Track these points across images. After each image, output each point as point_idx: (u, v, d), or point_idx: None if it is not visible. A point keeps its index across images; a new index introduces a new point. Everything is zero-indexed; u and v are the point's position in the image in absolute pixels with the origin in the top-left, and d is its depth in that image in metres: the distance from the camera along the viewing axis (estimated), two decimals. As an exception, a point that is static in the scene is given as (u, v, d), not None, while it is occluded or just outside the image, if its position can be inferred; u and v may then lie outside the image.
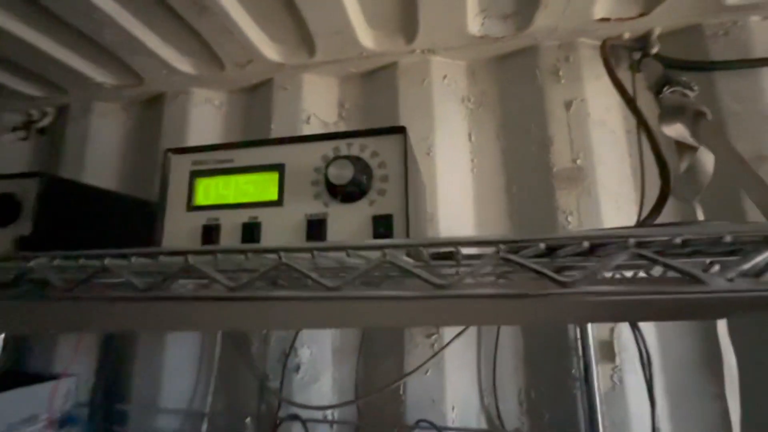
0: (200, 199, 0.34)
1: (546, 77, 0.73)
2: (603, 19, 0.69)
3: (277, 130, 0.81)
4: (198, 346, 0.77)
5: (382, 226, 0.29)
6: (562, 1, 0.65)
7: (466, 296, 0.19)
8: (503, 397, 0.66)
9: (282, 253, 0.22)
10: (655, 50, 0.69)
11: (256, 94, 0.87)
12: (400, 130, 0.31)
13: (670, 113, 0.46)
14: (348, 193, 0.30)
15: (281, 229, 0.32)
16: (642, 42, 0.71)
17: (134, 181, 0.89)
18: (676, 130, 0.47)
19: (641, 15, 0.68)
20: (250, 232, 0.32)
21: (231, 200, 0.33)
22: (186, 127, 0.86)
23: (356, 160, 0.29)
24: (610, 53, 0.70)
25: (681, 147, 0.47)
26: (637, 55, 0.69)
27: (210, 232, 0.32)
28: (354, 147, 0.31)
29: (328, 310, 0.23)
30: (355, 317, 0.35)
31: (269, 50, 0.79)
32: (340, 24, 0.70)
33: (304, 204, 0.32)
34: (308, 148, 0.32)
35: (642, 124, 0.53)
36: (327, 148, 0.32)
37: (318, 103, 0.83)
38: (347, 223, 0.30)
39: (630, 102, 0.55)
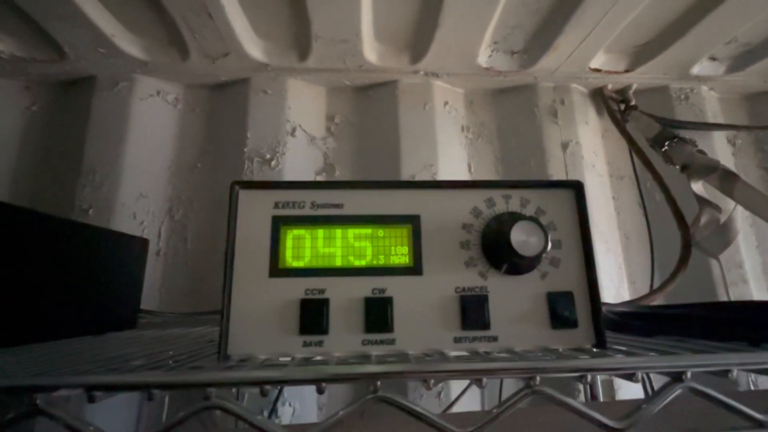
0: (291, 258, 0.23)
1: (544, 117, 0.75)
2: (595, 69, 0.74)
3: (255, 140, 0.68)
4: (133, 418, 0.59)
5: (560, 306, 0.23)
6: (571, 47, 0.67)
7: None
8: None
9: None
10: (632, 103, 0.76)
11: (227, 94, 0.73)
12: (576, 185, 0.26)
13: (700, 171, 0.48)
14: (515, 264, 0.23)
15: (421, 307, 0.23)
16: (622, 95, 0.77)
17: (37, 191, 0.66)
18: (699, 187, 0.49)
19: (626, 71, 0.74)
20: (378, 310, 0.22)
21: (339, 263, 0.24)
22: (124, 125, 0.67)
23: (539, 224, 0.22)
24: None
25: (702, 203, 0.50)
26: (621, 106, 0.75)
27: (314, 311, 0.22)
28: (513, 201, 0.25)
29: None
30: None
31: (252, 46, 0.66)
32: (349, 31, 0.62)
33: (453, 273, 0.24)
34: (451, 198, 0.24)
35: (656, 176, 0.56)
36: (478, 199, 0.25)
37: (304, 113, 0.73)
38: (513, 301, 0.23)
39: (639, 153, 0.59)
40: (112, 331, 0.40)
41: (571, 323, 0.23)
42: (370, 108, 0.75)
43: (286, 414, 0.61)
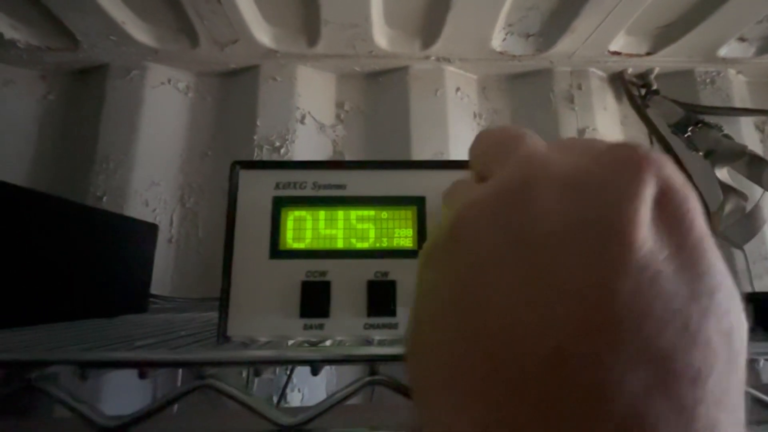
0: (291, 240, 0.23)
1: (560, 103, 0.72)
2: (615, 53, 0.71)
3: (264, 128, 0.68)
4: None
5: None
6: (589, 29, 0.64)
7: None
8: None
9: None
10: (654, 88, 0.72)
11: (236, 82, 0.72)
12: None
13: (725, 157, 0.46)
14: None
15: (425, 292, 0.22)
16: (642, 79, 0.74)
17: (53, 178, 0.67)
18: (724, 174, 0.47)
19: (648, 54, 0.71)
20: (381, 294, 0.22)
21: (341, 245, 0.23)
22: (136, 113, 0.68)
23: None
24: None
25: (727, 190, 0.47)
26: (641, 91, 0.72)
27: (315, 294, 0.22)
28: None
29: None
30: None
31: (261, 32, 0.66)
32: (358, 15, 0.61)
33: (458, 256, 0.23)
34: (457, 177, 0.23)
35: (677, 162, 0.53)
36: (485, 179, 0.24)
37: (314, 100, 0.72)
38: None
39: (661, 139, 0.56)
40: (124, 314, 0.40)
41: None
42: (381, 95, 0.74)
43: (295, 399, 0.61)
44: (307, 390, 0.63)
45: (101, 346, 0.17)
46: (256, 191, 0.24)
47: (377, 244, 0.23)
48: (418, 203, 0.24)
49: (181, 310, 0.54)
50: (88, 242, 0.37)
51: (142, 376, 0.15)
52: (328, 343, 0.22)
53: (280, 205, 0.23)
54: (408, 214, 0.23)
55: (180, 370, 0.47)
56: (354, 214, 0.23)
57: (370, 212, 0.23)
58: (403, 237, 0.23)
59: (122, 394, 0.58)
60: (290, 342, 0.23)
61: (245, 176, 0.24)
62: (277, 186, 0.24)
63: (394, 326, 0.22)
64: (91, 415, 0.13)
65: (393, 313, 0.23)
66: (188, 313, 0.48)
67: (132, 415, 0.14)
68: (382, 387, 0.17)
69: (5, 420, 0.30)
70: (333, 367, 0.67)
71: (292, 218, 0.23)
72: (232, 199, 0.23)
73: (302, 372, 0.63)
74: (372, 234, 0.23)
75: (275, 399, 0.60)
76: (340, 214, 0.23)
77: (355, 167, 0.24)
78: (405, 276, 0.23)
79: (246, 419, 0.14)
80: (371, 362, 0.16)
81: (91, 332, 0.27)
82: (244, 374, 0.61)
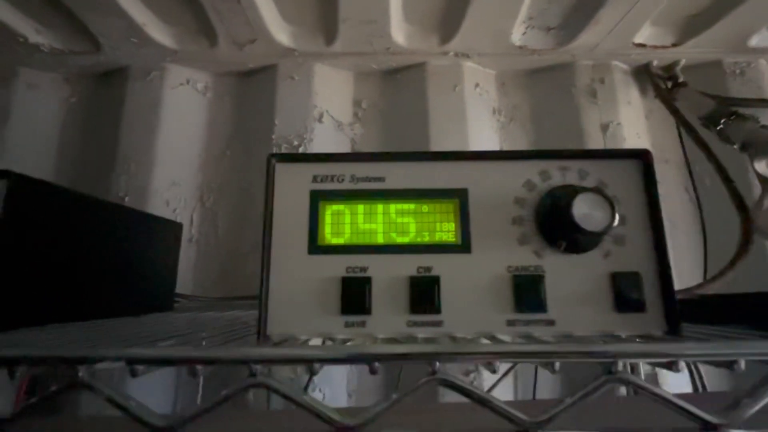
0: (330, 235, 0.22)
1: (582, 97, 0.70)
2: (639, 45, 0.69)
3: (282, 127, 0.68)
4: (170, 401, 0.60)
5: (626, 288, 0.21)
6: (614, 21, 0.63)
7: None
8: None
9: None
10: (680, 80, 0.70)
11: (254, 81, 0.72)
12: (642, 154, 0.23)
13: (763, 149, 0.44)
14: (575, 241, 0.21)
15: (470, 288, 0.22)
16: (668, 72, 0.72)
17: (76, 179, 0.68)
18: (763, 167, 0.45)
19: (674, 45, 0.69)
20: (424, 290, 0.21)
21: (381, 240, 0.22)
22: (156, 114, 0.68)
23: (605, 196, 0.20)
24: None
25: (765, 184, 0.46)
26: (667, 84, 0.70)
27: (355, 290, 0.21)
28: (570, 173, 0.23)
29: None
30: None
31: (279, 31, 0.65)
32: (377, 11, 0.61)
33: (504, 252, 0.22)
34: (502, 170, 0.23)
35: (711, 155, 0.52)
36: (531, 171, 0.23)
37: (331, 99, 0.72)
38: (572, 282, 0.21)
39: (692, 132, 0.54)
40: (150, 312, 0.40)
41: (638, 307, 0.21)
42: (398, 92, 0.73)
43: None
44: (329, 390, 0.62)
45: (145, 344, 0.17)
46: (293, 185, 0.23)
47: (418, 239, 0.22)
48: (460, 196, 0.23)
49: (203, 309, 0.54)
50: (116, 240, 0.38)
51: (192, 374, 0.15)
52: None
53: (317, 199, 0.23)
54: (450, 207, 0.23)
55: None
56: (393, 207, 0.23)
57: (411, 206, 0.23)
58: (445, 231, 0.22)
59: (146, 394, 0.58)
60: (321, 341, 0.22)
61: (281, 170, 0.23)
62: (315, 179, 0.23)
63: (439, 324, 0.22)
64: (141, 413, 0.13)
65: (437, 310, 0.22)
66: (211, 312, 0.48)
67: (184, 414, 0.13)
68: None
69: (48, 418, 0.30)
70: (353, 367, 0.66)
71: (330, 212, 0.23)
72: (269, 194, 0.22)
73: (324, 372, 0.62)
74: (413, 228, 0.22)
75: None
76: (380, 207, 0.23)
77: (395, 159, 0.23)
78: (449, 271, 0.22)
79: (300, 419, 0.13)
80: (433, 359, 0.15)
81: (122, 330, 0.26)
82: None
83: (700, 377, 0.54)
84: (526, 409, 0.14)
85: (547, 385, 0.64)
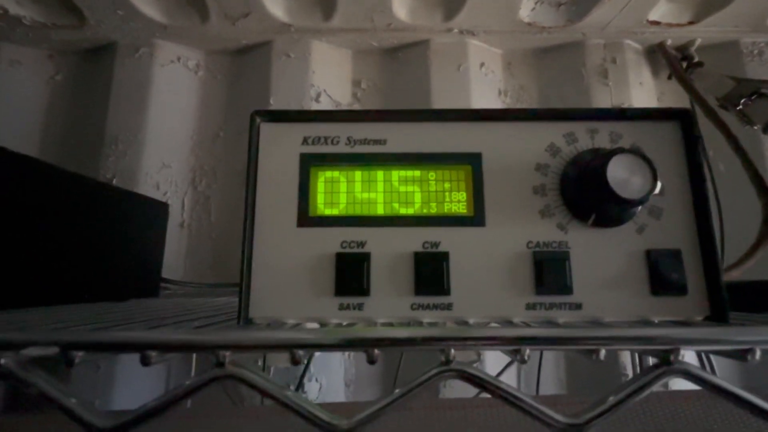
0: (323, 205, 0.19)
1: (593, 78, 0.67)
2: (654, 22, 0.66)
3: (278, 107, 0.65)
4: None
5: (664, 268, 0.18)
6: (629, -6, 0.59)
7: None
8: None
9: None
10: (696, 60, 0.67)
11: (248, 59, 0.69)
12: (683, 115, 0.20)
13: (792, 128, 0.41)
14: (606, 214, 0.18)
15: (484, 266, 0.19)
16: (683, 52, 0.69)
17: (62, 160, 0.65)
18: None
19: (690, 23, 0.65)
20: (431, 269, 0.18)
21: (382, 211, 0.20)
22: (145, 93, 0.65)
23: (645, 158, 0.17)
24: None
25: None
26: (682, 64, 0.66)
27: (352, 268, 0.18)
28: (600, 136, 0.20)
29: None
30: None
31: (274, 4, 0.62)
32: (378, -18, 0.57)
33: (524, 225, 0.19)
34: (521, 132, 0.19)
35: (730, 137, 0.49)
36: (555, 133, 0.20)
37: (329, 78, 0.68)
38: (602, 260, 0.18)
39: (711, 113, 0.51)
40: (135, 297, 0.38)
41: (678, 289, 0.18)
42: (399, 71, 0.69)
43: (312, 390, 0.59)
44: (325, 380, 0.60)
45: (102, 328, 0.14)
46: (281, 148, 0.20)
47: (424, 210, 0.20)
48: (473, 161, 0.20)
49: (193, 295, 0.51)
50: (97, 219, 0.35)
51: (144, 362, 0.12)
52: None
53: (308, 163, 0.20)
54: (461, 174, 0.20)
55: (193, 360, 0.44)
56: (396, 174, 0.20)
57: (416, 172, 0.20)
58: (456, 202, 0.19)
59: (137, 384, 0.56)
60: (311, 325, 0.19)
61: (267, 130, 0.20)
62: (305, 141, 0.20)
63: (448, 307, 0.19)
64: (81, 412, 0.10)
65: (446, 291, 0.19)
66: (201, 299, 0.45)
67: (135, 412, 0.11)
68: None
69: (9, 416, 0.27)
70: (351, 355, 0.64)
71: (323, 180, 0.20)
72: (252, 158, 0.19)
73: (320, 361, 0.60)
74: (418, 198, 0.20)
75: (292, 389, 0.57)
76: (380, 174, 0.20)
77: (398, 119, 0.20)
78: (459, 247, 0.19)
79: (273, 417, 0.11)
80: (447, 345, 0.12)
81: (94, 315, 0.24)
82: (260, 362, 0.59)
83: (712, 368, 0.52)
84: (560, 409, 0.11)
85: (549, 380, 0.62)
